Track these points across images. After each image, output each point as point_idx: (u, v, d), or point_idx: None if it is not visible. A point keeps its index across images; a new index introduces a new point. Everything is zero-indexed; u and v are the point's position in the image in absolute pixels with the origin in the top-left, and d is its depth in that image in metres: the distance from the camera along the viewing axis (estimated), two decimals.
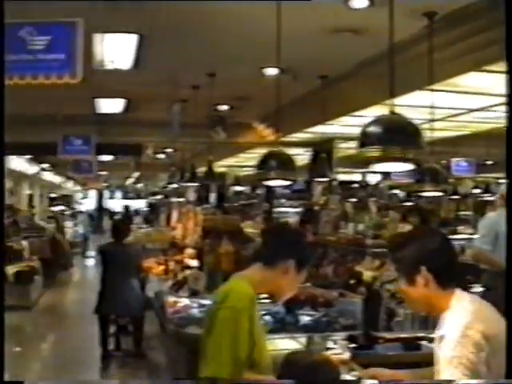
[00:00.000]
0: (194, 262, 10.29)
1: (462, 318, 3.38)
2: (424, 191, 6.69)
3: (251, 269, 3.61)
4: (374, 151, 4.12)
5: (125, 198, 45.53)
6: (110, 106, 12.66)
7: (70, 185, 38.04)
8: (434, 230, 3.78)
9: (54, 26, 6.31)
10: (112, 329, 10.71)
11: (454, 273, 3.58)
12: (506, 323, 2.08)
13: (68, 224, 28.63)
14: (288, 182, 6.96)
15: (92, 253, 23.24)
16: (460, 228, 15.58)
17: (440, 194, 6.94)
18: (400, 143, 4.13)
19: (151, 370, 9.62)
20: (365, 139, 4.26)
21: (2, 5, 3.39)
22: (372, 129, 4.28)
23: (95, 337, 10.47)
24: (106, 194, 44.27)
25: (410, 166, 4.52)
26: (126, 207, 36.54)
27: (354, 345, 5.37)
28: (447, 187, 6.97)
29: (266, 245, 3.62)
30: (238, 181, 17.47)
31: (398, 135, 4.21)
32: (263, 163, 6.70)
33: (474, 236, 13.21)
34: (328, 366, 2.97)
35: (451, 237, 12.45)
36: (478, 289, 7.84)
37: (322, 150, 13.72)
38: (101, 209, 32.09)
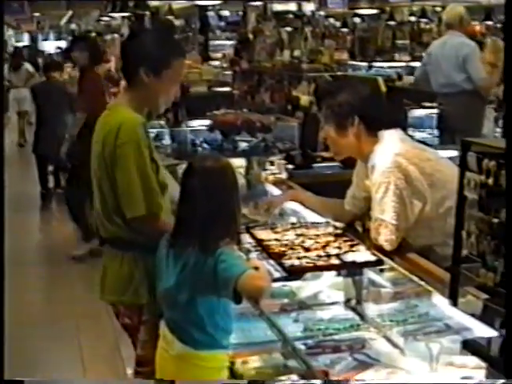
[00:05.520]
0: None
1: (393, 147, 3.39)
2: (360, 8, 6.51)
3: (121, 94, 3.50)
4: None
5: (59, 39, 44.34)
6: None
7: None
8: (364, 78, 3.76)
9: None
10: (51, 167, 10.62)
11: (382, 121, 3.57)
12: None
13: None
14: (219, 1, 6.72)
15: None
16: (397, 56, 15.52)
17: (374, 11, 6.78)
18: None
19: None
20: None
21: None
22: None
23: (35, 176, 10.39)
24: (40, 36, 43.00)
25: None
26: (60, 48, 35.71)
27: (291, 165, 5.37)
28: (383, 7, 6.81)
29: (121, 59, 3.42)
30: (172, 12, 16.95)
31: None
32: None
33: (411, 63, 13.26)
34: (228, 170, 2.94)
35: (389, 64, 12.58)
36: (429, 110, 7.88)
37: None
38: (35, 51, 31.17)
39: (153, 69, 3.23)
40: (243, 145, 6.34)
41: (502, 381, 2.08)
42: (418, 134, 7.60)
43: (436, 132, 7.77)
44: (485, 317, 2.25)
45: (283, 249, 3.33)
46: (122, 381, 4.66)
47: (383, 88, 6.03)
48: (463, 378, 2.59)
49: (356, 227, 3.84)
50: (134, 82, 3.30)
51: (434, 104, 8.14)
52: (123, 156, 3.12)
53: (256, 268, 2.82)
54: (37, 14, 27.86)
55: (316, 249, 3.32)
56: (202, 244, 2.82)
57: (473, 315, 2.40)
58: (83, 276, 7.22)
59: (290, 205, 4.69)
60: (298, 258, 3.19)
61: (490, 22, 14.60)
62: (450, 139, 6.90)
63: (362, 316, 3.25)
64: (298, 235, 3.54)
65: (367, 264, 3.22)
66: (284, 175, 5.08)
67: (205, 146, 6.35)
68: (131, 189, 3.12)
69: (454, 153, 5.53)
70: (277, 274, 3.17)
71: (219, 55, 16.40)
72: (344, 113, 3.45)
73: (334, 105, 3.50)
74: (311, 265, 3.15)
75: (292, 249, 3.32)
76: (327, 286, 3.50)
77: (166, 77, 3.27)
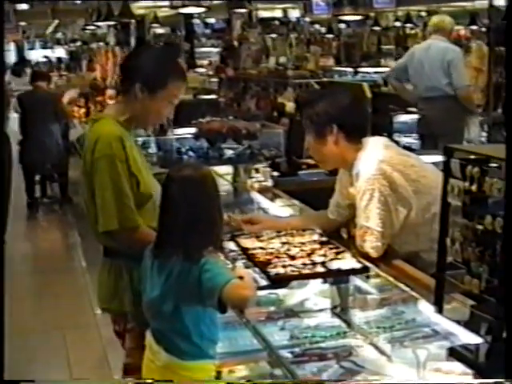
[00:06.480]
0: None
1: (377, 154, 3.40)
2: (344, 14, 6.51)
3: (113, 103, 3.53)
4: None
5: (44, 47, 44.30)
6: None
7: None
8: (345, 88, 3.76)
9: None
10: (37, 177, 10.61)
11: (364, 129, 3.58)
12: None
13: None
14: (203, 9, 6.75)
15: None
16: (382, 61, 15.56)
17: (359, 17, 6.79)
18: None
19: (77, 214, 9.59)
20: None
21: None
22: None
23: (22, 186, 10.36)
24: (26, 45, 42.93)
25: None
26: (47, 57, 35.64)
27: (277, 173, 5.36)
28: (368, 13, 6.82)
29: (120, 71, 3.47)
30: (158, 21, 16.95)
31: None
32: None
33: None
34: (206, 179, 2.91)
35: (375, 69, 12.59)
36: (414, 115, 7.88)
37: None
38: (22, 60, 31.09)
39: (148, 86, 3.25)
40: (229, 152, 6.34)
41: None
42: (404, 139, 7.63)
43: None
44: (471, 323, 2.24)
45: (268, 257, 3.30)
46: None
47: (368, 94, 6.05)
48: None
49: (341, 234, 3.83)
50: (127, 95, 3.32)
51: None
52: (98, 170, 3.16)
53: (241, 277, 2.80)
54: (22, 24, 27.77)
55: (301, 257, 3.30)
56: (186, 253, 2.81)
57: (459, 322, 2.39)
58: (68, 285, 7.21)
59: (274, 211, 4.69)
60: (284, 267, 3.17)
61: (474, 27, 14.65)
62: (433, 144, 6.90)
63: (348, 323, 3.23)
64: (284, 243, 3.52)
65: (353, 271, 3.21)
66: (270, 182, 5.07)
67: (191, 154, 6.34)
68: (104, 203, 3.15)
69: (437, 158, 5.57)
70: (263, 282, 3.15)
71: (205, 62, 16.43)
72: (321, 122, 3.46)
73: (312, 114, 3.51)
74: (296, 273, 3.13)
75: (277, 257, 3.30)
76: (314, 294, 3.49)
77: (160, 96, 3.29)
